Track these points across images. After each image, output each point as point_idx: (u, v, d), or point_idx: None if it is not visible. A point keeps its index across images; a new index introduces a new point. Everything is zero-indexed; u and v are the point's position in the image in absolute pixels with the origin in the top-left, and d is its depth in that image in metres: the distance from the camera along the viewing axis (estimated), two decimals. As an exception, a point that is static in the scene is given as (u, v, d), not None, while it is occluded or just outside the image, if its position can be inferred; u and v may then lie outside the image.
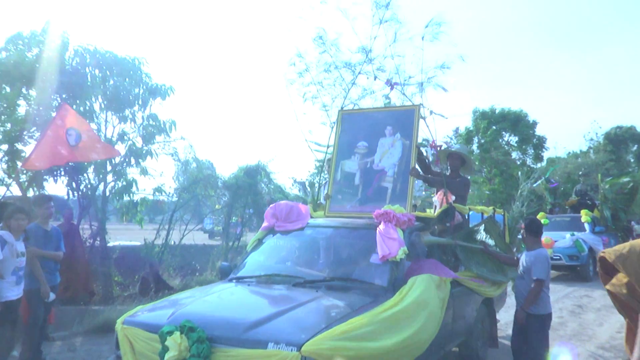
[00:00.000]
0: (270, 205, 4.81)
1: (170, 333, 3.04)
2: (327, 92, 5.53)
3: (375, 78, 5.34)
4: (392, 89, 5.26)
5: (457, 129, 23.32)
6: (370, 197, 4.84)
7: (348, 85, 5.49)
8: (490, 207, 5.86)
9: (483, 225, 5.10)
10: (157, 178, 9.19)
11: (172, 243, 10.17)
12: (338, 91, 5.54)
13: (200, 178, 10.47)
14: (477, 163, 22.16)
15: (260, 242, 4.73)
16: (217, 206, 12.13)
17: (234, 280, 4.27)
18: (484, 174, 23.16)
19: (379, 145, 4.98)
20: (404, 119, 4.96)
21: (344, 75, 5.45)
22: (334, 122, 5.32)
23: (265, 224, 4.77)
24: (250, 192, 11.69)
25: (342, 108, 5.49)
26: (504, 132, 24.35)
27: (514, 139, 24.54)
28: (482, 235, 5.04)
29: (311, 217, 4.86)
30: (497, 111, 24.42)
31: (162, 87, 8.61)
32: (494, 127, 23.98)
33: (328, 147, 5.39)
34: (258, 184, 12.04)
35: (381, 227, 4.12)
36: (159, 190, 9.33)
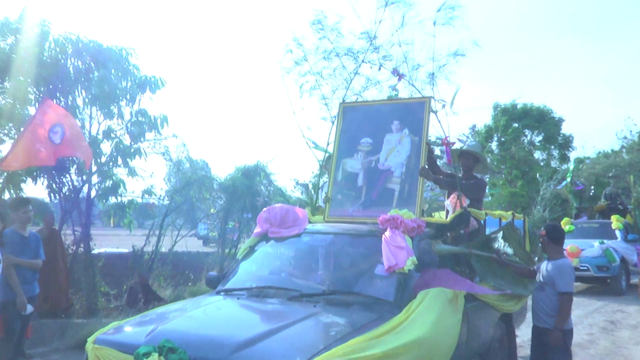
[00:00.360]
0: (264, 209, 4.76)
1: (147, 355, 2.90)
2: (327, 82, 5.47)
3: (380, 67, 5.26)
4: (399, 79, 5.16)
5: (474, 126, 23.16)
6: (375, 200, 4.79)
7: (350, 75, 5.40)
8: (509, 212, 5.80)
9: (501, 232, 4.99)
10: (146, 179, 9.17)
11: (163, 250, 10.19)
12: (339, 82, 5.46)
13: (193, 179, 10.45)
14: (495, 163, 21.96)
15: (252, 249, 4.66)
16: (212, 210, 12.13)
17: (222, 293, 4.19)
18: (504, 175, 22.95)
19: (384, 142, 4.94)
20: (413, 113, 4.91)
21: (346, 64, 5.38)
22: (335, 117, 5.28)
23: (257, 229, 4.70)
24: (248, 194, 11.68)
25: (343, 100, 5.43)
26: (526, 130, 24.10)
27: (537, 138, 24.34)
28: (500, 243, 4.92)
29: (309, 222, 4.82)
30: (518, 107, 24.11)
31: (151, 79, 8.57)
32: (516, 125, 23.75)
33: (328, 144, 5.36)
34: (257, 186, 12.01)
35: (387, 234, 4.06)
36: (148, 192, 9.32)
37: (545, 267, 4.46)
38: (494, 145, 23.71)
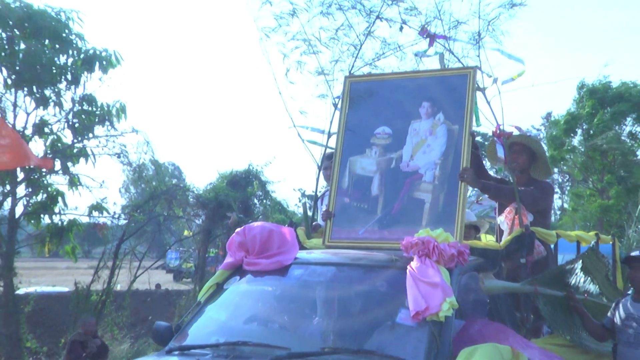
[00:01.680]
0: (237, 230, 4.60)
1: None
2: (327, 47, 5.37)
3: (402, 26, 5.19)
4: (430, 42, 5.12)
5: (550, 113, 22.78)
6: (397, 215, 4.74)
7: (359, 38, 5.29)
8: (592, 233, 5.65)
9: (580, 261, 4.79)
10: (95, 190, 9.37)
11: (119, 289, 10.70)
12: (344, 48, 5.37)
13: (161, 190, 10.73)
14: (577, 166, 21.57)
15: (220, 288, 4.54)
16: (186, 232, 12.12)
17: (176, 353, 4.08)
18: (592, 182, 22.54)
19: (409, 133, 4.89)
20: (451, 91, 4.85)
21: (353, 22, 5.28)
22: (338, 97, 5.23)
23: (228, 259, 4.58)
24: (236, 210, 11.79)
25: (350, 73, 5.37)
26: (624, 119, 23.54)
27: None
28: (578, 278, 4.74)
29: (302, 249, 4.77)
30: (612, 86, 23.58)
31: (102, 54, 8.70)
32: (608, 110, 23.16)
33: (329, 135, 5.28)
34: (249, 199, 12.03)
35: (414, 265, 3.95)
36: (98, 208, 9.45)
37: (632, 309, 4.44)
38: (576, 140, 23.27)
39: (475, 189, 5.10)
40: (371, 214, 4.82)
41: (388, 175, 4.88)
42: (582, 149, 23.33)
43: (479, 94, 4.88)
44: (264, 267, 4.45)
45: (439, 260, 3.96)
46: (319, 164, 5.44)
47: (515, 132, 5.19)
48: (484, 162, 5.30)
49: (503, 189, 4.98)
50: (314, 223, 5.39)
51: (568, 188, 41.04)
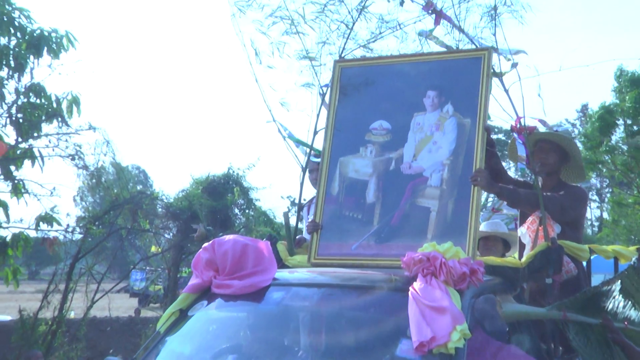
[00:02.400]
0: (204, 245, 4.55)
1: None
2: (312, 27, 5.33)
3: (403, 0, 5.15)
4: (437, 20, 5.09)
5: (586, 105, 22.80)
6: (397, 227, 4.72)
7: (352, 14, 5.29)
8: (632, 248, 5.53)
9: (619, 281, 4.71)
10: (44, 199, 9.19)
11: (73, 317, 10.64)
12: (333, 26, 5.34)
13: (124, 199, 10.60)
14: (618, 168, 21.58)
15: (183, 315, 4.48)
16: (154, 249, 12.06)
17: None
18: (636, 187, 22.55)
19: (412, 128, 4.89)
20: (461, 78, 4.86)
21: None
22: (326, 85, 5.24)
23: (193, 280, 4.53)
24: (214, 221, 11.68)
25: (340, 57, 5.37)
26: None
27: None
28: (616, 302, 4.65)
29: (283, 267, 4.81)
30: None
31: (52, 36, 8.62)
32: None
33: (316, 132, 5.28)
34: (229, 209, 12.02)
35: (418, 285, 3.89)
36: (47, 220, 9.25)
37: None
38: (616, 137, 23.25)
39: (492, 194, 5.09)
40: (366, 226, 4.78)
41: (386, 179, 4.86)
42: (625, 148, 23.31)
43: (495, 81, 4.84)
44: (236, 290, 4.37)
45: (448, 280, 3.91)
46: (304, 166, 5.42)
47: (540, 128, 5.17)
48: (502, 162, 5.26)
49: (525, 195, 4.93)
50: (297, 236, 5.36)
51: (608, 195, 41.18)
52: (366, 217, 4.82)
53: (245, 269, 4.46)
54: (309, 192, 5.55)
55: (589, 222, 55.18)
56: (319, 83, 5.44)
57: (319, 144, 5.31)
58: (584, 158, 23.31)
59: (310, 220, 5.05)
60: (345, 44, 5.36)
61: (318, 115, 5.31)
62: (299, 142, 5.56)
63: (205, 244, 4.61)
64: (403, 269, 4.11)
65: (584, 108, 22.12)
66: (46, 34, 8.58)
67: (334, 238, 4.85)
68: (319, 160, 5.18)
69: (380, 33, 5.41)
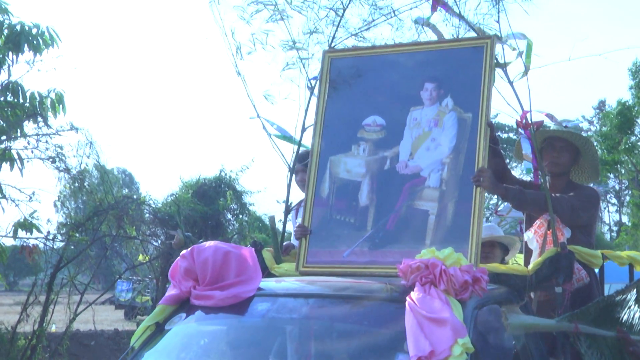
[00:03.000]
0: (183, 253, 4.48)
1: None
2: (300, 12, 5.33)
3: None
4: (434, 7, 5.07)
5: (603, 101, 22.89)
6: (393, 232, 4.67)
7: (342, 1, 5.26)
8: None
9: (635, 290, 4.65)
10: (23, 205, 9.12)
11: (54, 330, 10.74)
12: (321, 14, 5.34)
13: (108, 204, 10.42)
14: (637, 168, 21.60)
15: (160, 329, 4.38)
16: (141, 257, 12.05)
17: None
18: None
19: (408, 124, 4.84)
20: (462, 69, 4.82)
21: None
22: (315, 78, 5.19)
23: (171, 290, 4.49)
24: (205, 227, 11.68)
25: (330, 47, 5.32)
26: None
27: None
28: (632, 312, 4.59)
29: (269, 276, 4.76)
30: None
31: (32, 31, 8.57)
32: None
33: (304, 129, 5.26)
34: (220, 214, 12.01)
35: (416, 295, 3.80)
36: (26, 227, 9.17)
37: None
38: (636, 136, 23.28)
39: (497, 195, 5.00)
40: (359, 230, 4.73)
41: (381, 180, 4.81)
42: None
43: (498, 72, 4.80)
44: (217, 301, 4.30)
45: (448, 289, 3.82)
46: (291, 166, 5.39)
47: (548, 123, 5.15)
48: (506, 160, 5.23)
49: (532, 196, 4.87)
50: (285, 243, 5.32)
51: (628, 198, 41.31)
52: (359, 221, 4.77)
53: (227, 279, 4.37)
54: (298, 194, 5.49)
55: (608, 227, 55.44)
56: (307, 76, 5.40)
57: (307, 142, 5.28)
58: (601, 159, 23.45)
59: (298, 225, 5.00)
60: (335, 32, 5.32)
61: (306, 111, 5.27)
62: (285, 139, 5.51)
63: (184, 252, 4.53)
64: (399, 277, 4.01)
65: (602, 104, 22.20)
66: (27, 29, 8.53)
67: (324, 244, 4.80)
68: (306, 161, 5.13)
69: (374, 20, 5.40)
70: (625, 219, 41.42)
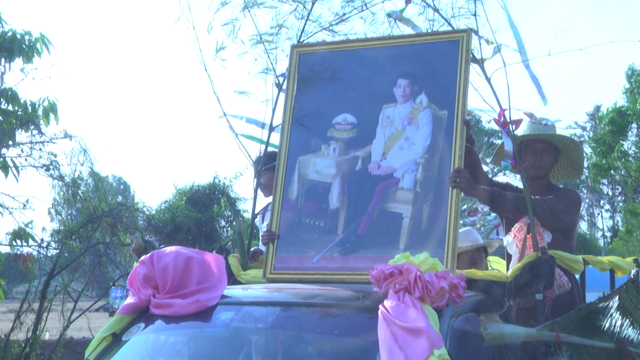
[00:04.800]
0: (142, 258, 4.34)
1: None
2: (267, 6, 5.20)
3: None
4: (408, 0, 4.95)
5: (599, 107, 22.81)
6: (365, 236, 4.59)
7: None
8: (629, 259, 5.53)
9: (617, 297, 4.58)
10: (17, 213, 9.03)
11: (47, 338, 10.52)
12: (289, 7, 5.22)
13: (102, 211, 10.35)
14: (632, 175, 21.44)
15: (117, 340, 4.18)
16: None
17: None
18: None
19: (380, 122, 4.77)
20: (437, 64, 4.76)
21: None
22: (283, 74, 5.09)
23: (130, 299, 4.27)
24: (199, 234, 11.57)
25: (298, 41, 5.25)
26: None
27: None
28: (614, 320, 4.50)
29: (235, 283, 4.69)
30: None
31: (25, 38, 8.50)
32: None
33: (272, 128, 5.18)
34: (214, 221, 11.95)
35: (389, 303, 3.66)
36: (21, 235, 9.10)
37: None
38: (629, 142, 23.13)
39: (474, 197, 5.00)
40: (329, 235, 4.65)
41: (352, 181, 4.73)
42: (638, 152, 23.25)
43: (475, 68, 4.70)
44: (178, 310, 4.10)
45: (424, 296, 3.66)
46: (259, 167, 5.31)
47: (526, 120, 5.05)
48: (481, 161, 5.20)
49: (512, 199, 4.77)
50: (252, 248, 5.25)
51: (621, 204, 41.43)
52: (329, 225, 4.69)
53: (189, 286, 4.20)
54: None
55: (601, 233, 55.59)
56: (275, 72, 5.33)
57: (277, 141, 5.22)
58: (594, 164, 23.40)
59: (265, 229, 4.89)
60: (304, 26, 5.24)
61: (274, 109, 5.18)
62: (253, 139, 5.42)
63: (143, 257, 4.36)
64: (372, 284, 3.84)
65: (597, 110, 22.34)
66: (19, 36, 8.50)
67: (292, 249, 4.71)
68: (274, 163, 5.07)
69: (345, 14, 5.33)
70: (618, 223, 41.62)
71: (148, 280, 4.25)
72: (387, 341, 3.48)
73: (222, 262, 4.42)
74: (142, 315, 4.25)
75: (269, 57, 5.27)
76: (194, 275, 4.23)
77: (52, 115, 8.89)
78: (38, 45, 8.69)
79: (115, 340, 4.19)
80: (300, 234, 4.74)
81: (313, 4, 5.19)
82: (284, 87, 5.08)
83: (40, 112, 8.75)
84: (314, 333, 4.10)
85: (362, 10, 5.27)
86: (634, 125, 24.02)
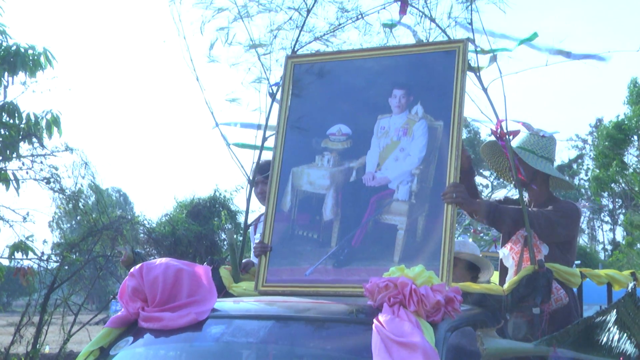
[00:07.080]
0: (132, 270, 4.29)
1: None
2: (261, 15, 5.18)
3: None
4: (403, 8, 4.93)
5: (601, 119, 22.85)
6: (359, 248, 4.55)
7: (306, 1, 5.11)
8: (627, 272, 5.52)
9: (614, 311, 4.45)
10: (17, 226, 9.16)
11: (48, 352, 10.46)
12: (284, 17, 5.19)
13: (103, 224, 10.37)
14: (636, 189, 21.44)
15: (104, 355, 4.11)
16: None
17: None
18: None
19: (375, 133, 4.73)
20: (432, 74, 4.73)
21: None
22: (277, 84, 5.09)
23: (119, 313, 4.26)
24: (199, 247, 11.62)
25: (293, 51, 5.21)
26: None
27: None
28: (611, 334, 4.39)
29: (226, 296, 4.65)
30: None
31: (28, 53, 8.57)
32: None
33: (265, 138, 5.11)
34: (215, 234, 11.95)
35: (383, 317, 3.63)
36: (21, 248, 9.14)
37: None
38: (631, 155, 23.14)
39: (470, 212, 4.88)
40: (323, 247, 4.59)
41: (346, 192, 4.67)
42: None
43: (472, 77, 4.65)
44: (168, 324, 4.05)
45: (419, 310, 3.64)
46: (250, 177, 5.23)
47: (524, 132, 5.01)
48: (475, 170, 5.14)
49: (509, 212, 4.75)
50: (244, 260, 5.16)
51: (622, 217, 41.45)
52: (323, 236, 4.63)
53: (179, 299, 4.16)
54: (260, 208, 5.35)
55: (602, 246, 55.62)
56: (268, 82, 5.28)
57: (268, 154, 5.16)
58: (596, 177, 23.43)
59: (257, 241, 4.83)
60: (299, 36, 5.18)
61: (267, 119, 5.12)
62: (245, 147, 5.37)
63: (132, 269, 4.30)
64: (366, 297, 3.82)
65: (599, 122, 22.37)
66: (22, 50, 8.53)
67: (285, 262, 4.64)
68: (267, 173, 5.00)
69: (340, 24, 5.30)
70: (619, 236, 41.70)
71: (137, 293, 4.21)
72: (382, 356, 3.42)
73: (210, 273, 4.39)
74: (130, 328, 4.21)
75: (262, 65, 5.24)
76: (184, 288, 4.20)
77: (54, 129, 8.95)
78: (42, 59, 8.78)
79: (103, 354, 4.13)
80: (293, 246, 4.69)
81: (308, 12, 5.15)
82: (278, 97, 5.03)
83: (43, 125, 8.81)
84: (306, 347, 4.03)
85: (357, 20, 5.26)
86: (635, 137, 24.03)
